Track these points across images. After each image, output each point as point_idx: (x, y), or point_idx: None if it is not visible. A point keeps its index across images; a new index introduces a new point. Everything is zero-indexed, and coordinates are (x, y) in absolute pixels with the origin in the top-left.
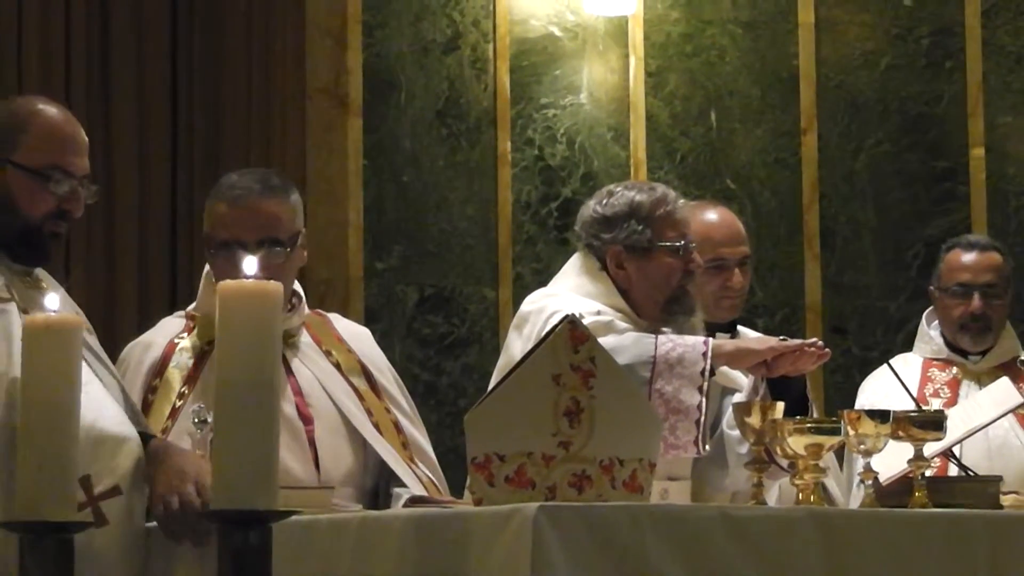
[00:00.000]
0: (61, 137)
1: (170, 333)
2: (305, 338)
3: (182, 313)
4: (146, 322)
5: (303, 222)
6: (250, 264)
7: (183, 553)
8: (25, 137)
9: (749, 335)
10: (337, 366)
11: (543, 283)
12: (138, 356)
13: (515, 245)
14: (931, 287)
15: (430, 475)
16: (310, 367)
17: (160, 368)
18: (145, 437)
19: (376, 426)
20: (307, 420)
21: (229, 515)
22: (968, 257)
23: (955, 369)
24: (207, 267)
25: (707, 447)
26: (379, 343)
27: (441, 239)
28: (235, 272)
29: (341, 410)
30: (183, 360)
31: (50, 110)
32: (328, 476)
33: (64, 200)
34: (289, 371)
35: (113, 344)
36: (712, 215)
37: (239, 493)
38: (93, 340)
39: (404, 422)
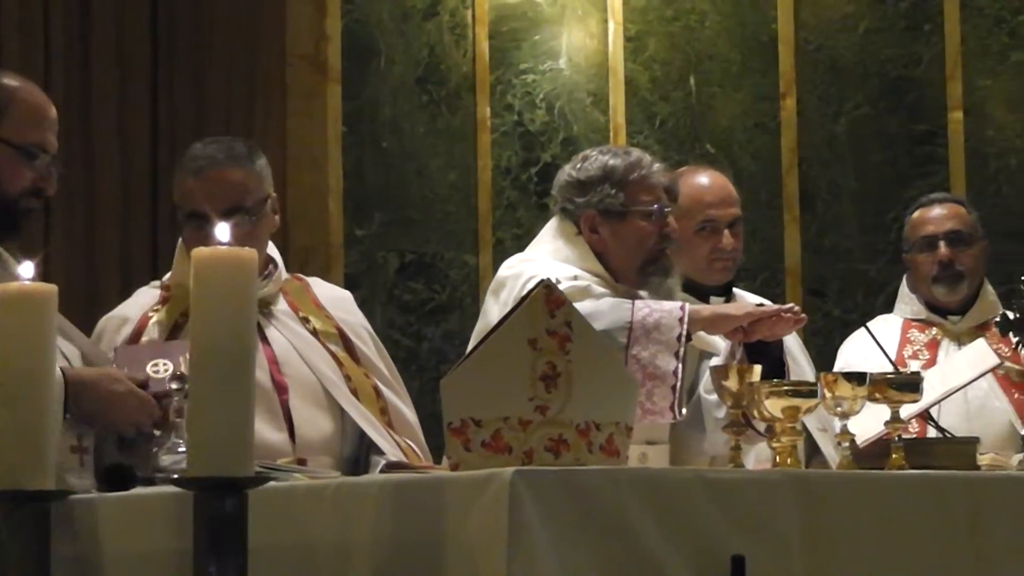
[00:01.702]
0: (43, 115)
1: (144, 305)
2: (281, 305)
3: (157, 284)
4: (128, 295)
5: (271, 186)
6: (223, 231)
7: (158, 521)
8: (9, 113)
9: (745, 297)
10: (315, 333)
11: (523, 248)
12: (113, 329)
13: (495, 211)
14: (904, 254)
15: (410, 442)
16: (286, 334)
17: (133, 341)
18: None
19: (354, 392)
20: (281, 388)
21: (205, 482)
22: (929, 211)
23: (935, 330)
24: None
25: (684, 412)
26: (360, 309)
27: (422, 205)
28: (204, 243)
29: (318, 377)
30: (155, 334)
31: (30, 87)
32: (304, 444)
33: (40, 178)
34: (264, 339)
35: (92, 317)
36: (703, 178)
37: (215, 460)
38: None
39: (384, 388)
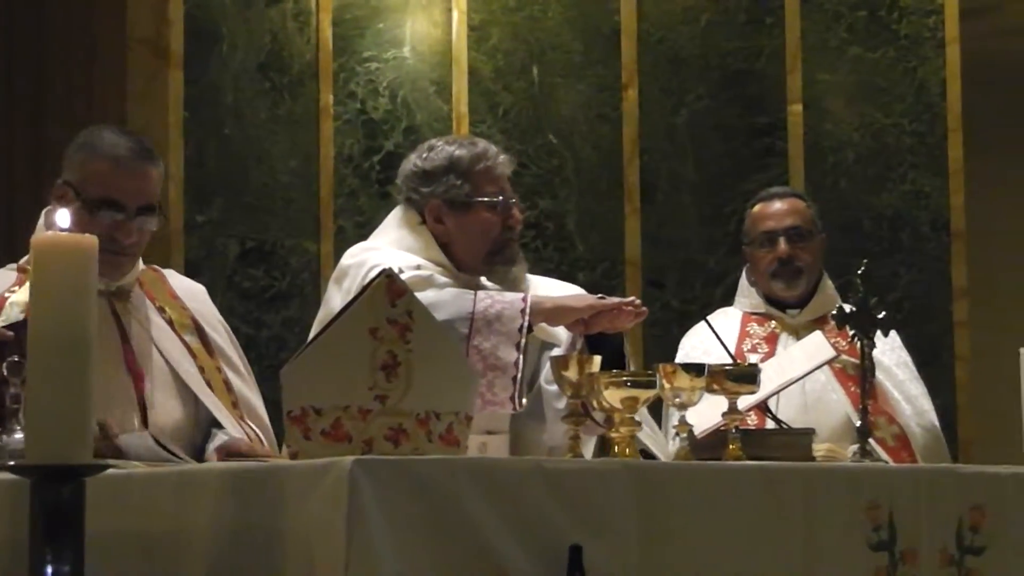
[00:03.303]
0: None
1: (2, 286)
2: (138, 294)
3: (14, 266)
4: None
5: None
6: (63, 217)
7: None
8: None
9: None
10: (170, 323)
11: (365, 236)
12: None
13: (337, 198)
14: (743, 247)
15: (259, 433)
16: (142, 323)
17: None
18: None
19: (208, 384)
20: (137, 376)
21: (42, 470)
22: (770, 206)
23: (773, 323)
24: (44, 217)
25: (524, 402)
26: None
27: (263, 192)
28: (113, 231)
29: (172, 366)
30: (13, 314)
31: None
32: (156, 432)
33: None
34: (120, 328)
35: None
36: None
37: (52, 448)
38: None
39: (236, 381)
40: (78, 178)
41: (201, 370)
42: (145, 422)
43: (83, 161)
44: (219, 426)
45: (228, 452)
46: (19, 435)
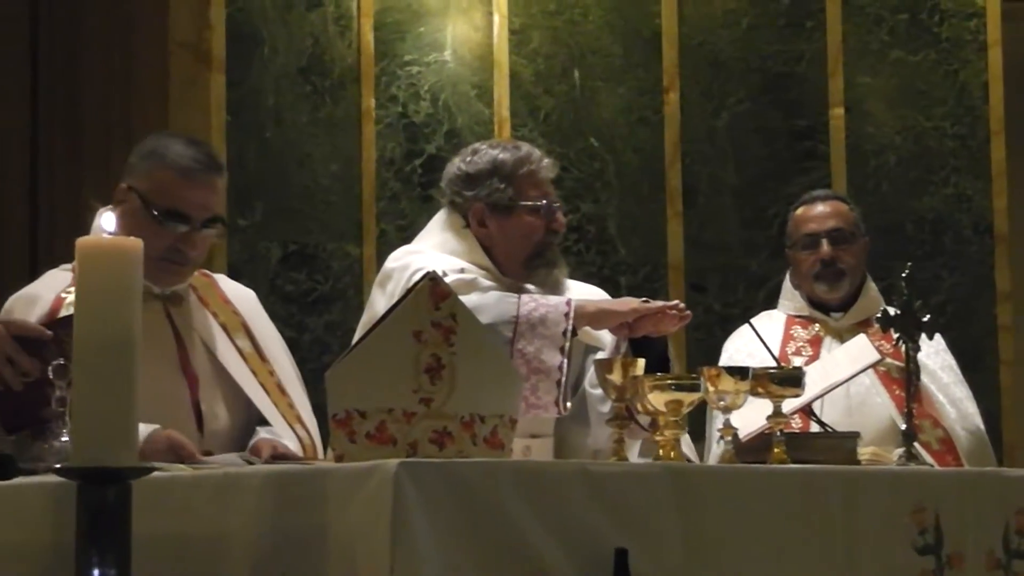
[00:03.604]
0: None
1: (57, 287)
2: (192, 299)
3: (68, 266)
4: (5, 293)
5: None
6: (108, 220)
7: (37, 511)
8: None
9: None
10: (223, 327)
11: (407, 240)
12: (22, 309)
13: (379, 202)
14: (786, 250)
15: (312, 436)
16: (197, 327)
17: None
18: None
19: (262, 387)
20: (192, 380)
21: (87, 472)
22: (812, 209)
23: (817, 326)
24: (100, 218)
25: (569, 406)
26: None
27: (304, 195)
28: (168, 240)
29: (226, 370)
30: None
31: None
32: (211, 437)
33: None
34: (175, 330)
35: None
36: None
37: (97, 450)
38: None
39: (287, 385)
40: (145, 186)
41: (254, 374)
42: (200, 427)
43: (150, 170)
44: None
45: (274, 456)
46: (65, 438)
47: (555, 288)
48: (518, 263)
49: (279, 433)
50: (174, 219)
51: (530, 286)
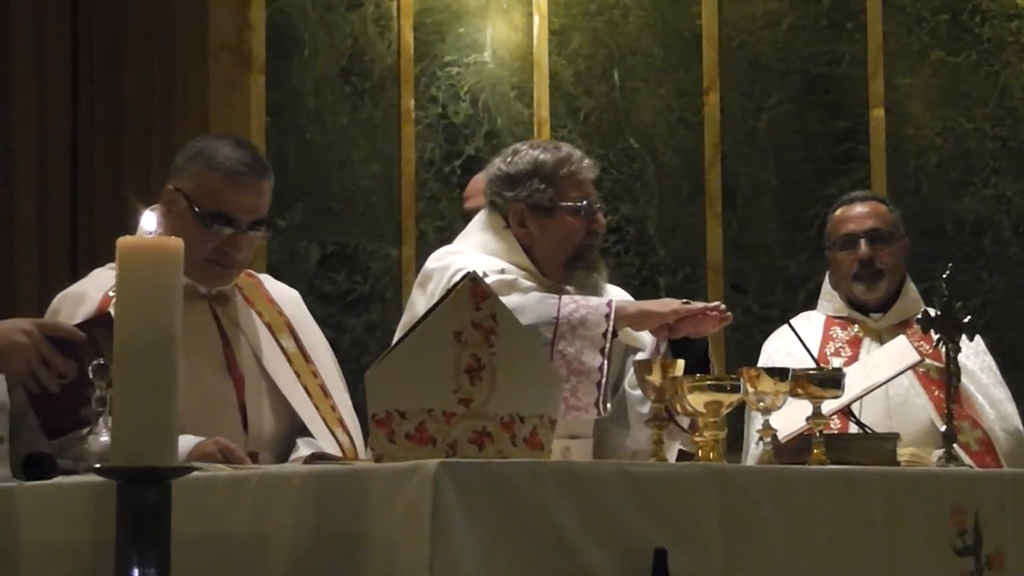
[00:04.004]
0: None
1: (104, 285)
2: (238, 299)
3: (113, 265)
4: (47, 293)
5: None
6: (149, 220)
7: (78, 511)
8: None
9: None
10: (268, 327)
11: (446, 240)
12: (70, 307)
13: (418, 202)
14: (825, 251)
15: (353, 440)
16: (243, 327)
17: None
18: None
19: (305, 388)
20: (238, 380)
21: (128, 472)
22: (851, 210)
23: (856, 327)
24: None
25: (608, 408)
26: None
27: (344, 196)
28: (216, 243)
29: (269, 372)
30: None
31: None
32: (255, 438)
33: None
34: (221, 333)
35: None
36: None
37: (138, 450)
38: None
39: (330, 387)
40: (192, 188)
41: (297, 375)
42: (245, 427)
43: (198, 172)
44: (306, 435)
45: (313, 455)
46: (105, 438)
47: (594, 291)
48: (558, 264)
49: (319, 439)
50: (220, 221)
51: (570, 288)
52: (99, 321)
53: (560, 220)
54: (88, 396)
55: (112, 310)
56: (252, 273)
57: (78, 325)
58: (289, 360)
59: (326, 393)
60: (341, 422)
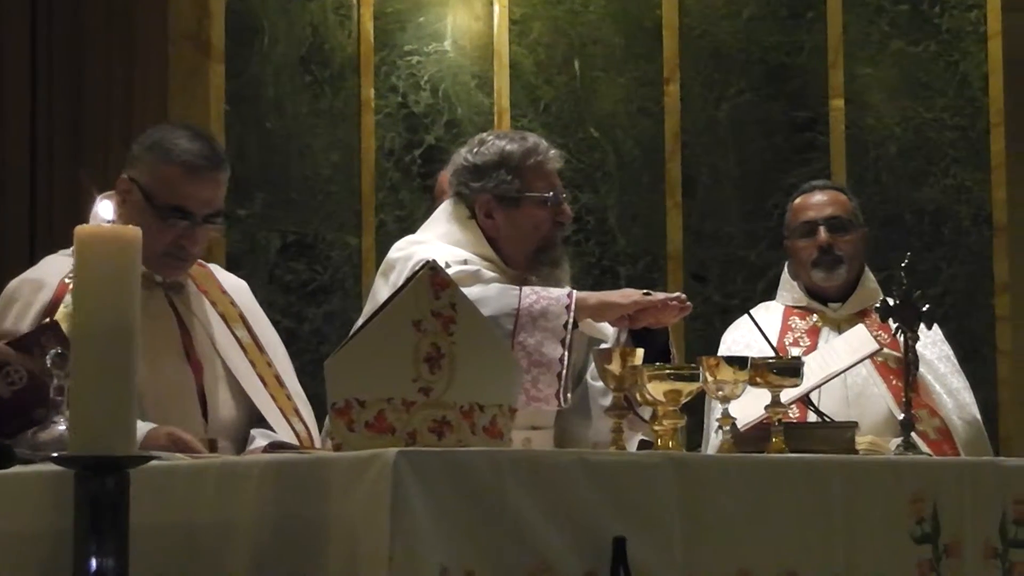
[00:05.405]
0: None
1: (60, 272)
2: (191, 288)
3: (68, 252)
4: (5, 281)
5: None
6: (105, 209)
7: (35, 500)
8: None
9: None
10: (222, 317)
11: (406, 230)
12: (28, 293)
13: (378, 192)
14: (784, 240)
15: (309, 429)
16: (199, 316)
17: (52, 308)
18: None
19: (260, 378)
20: (197, 368)
21: (85, 461)
22: (810, 198)
23: (815, 317)
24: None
25: (570, 399)
26: None
27: (304, 186)
28: (171, 236)
29: (225, 361)
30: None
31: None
32: (215, 425)
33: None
34: (179, 318)
35: None
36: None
37: (96, 439)
38: None
39: (283, 376)
40: (148, 180)
41: (252, 364)
42: (205, 414)
43: (154, 164)
44: (261, 426)
45: (272, 444)
46: (62, 427)
47: (557, 285)
48: (524, 255)
49: (276, 428)
50: (177, 215)
51: (534, 279)
52: (48, 327)
53: (527, 211)
54: (44, 397)
55: (59, 314)
56: (203, 263)
57: (27, 335)
58: (244, 350)
59: (281, 383)
60: (297, 411)
